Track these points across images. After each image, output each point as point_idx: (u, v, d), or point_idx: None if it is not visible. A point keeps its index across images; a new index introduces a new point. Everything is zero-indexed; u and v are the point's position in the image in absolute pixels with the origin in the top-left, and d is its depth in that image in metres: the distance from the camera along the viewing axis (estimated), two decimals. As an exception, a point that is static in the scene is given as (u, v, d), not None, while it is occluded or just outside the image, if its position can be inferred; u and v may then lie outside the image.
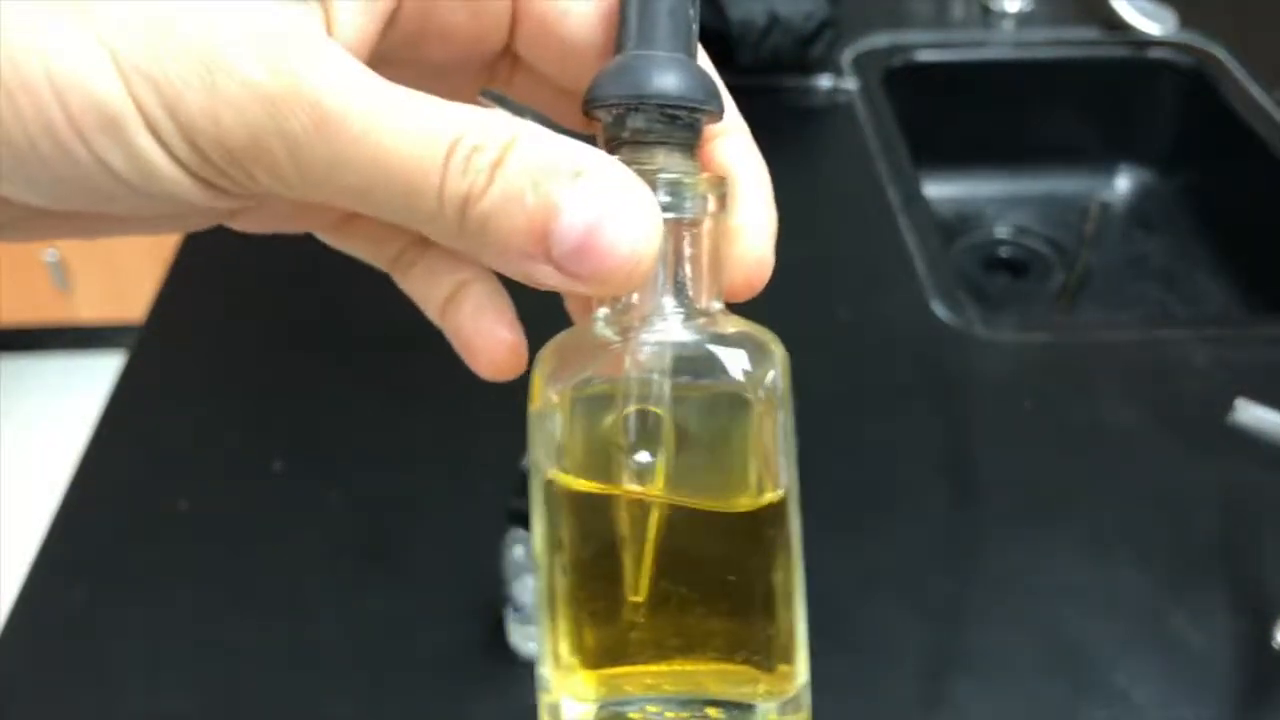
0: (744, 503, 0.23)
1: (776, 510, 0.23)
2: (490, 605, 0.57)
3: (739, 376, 0.23)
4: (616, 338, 0.23)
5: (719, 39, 0.97)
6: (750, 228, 0.25)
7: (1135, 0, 1.06)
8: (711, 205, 0.23)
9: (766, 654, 0.23)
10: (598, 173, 0.20)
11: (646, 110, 0.22)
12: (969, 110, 1.09)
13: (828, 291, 0.80)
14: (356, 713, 0.55)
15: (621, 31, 0.22)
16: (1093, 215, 1.04)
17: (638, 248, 0.20)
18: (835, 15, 0.99)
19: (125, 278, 2.01)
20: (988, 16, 1.11)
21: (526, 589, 0.57)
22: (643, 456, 0.23)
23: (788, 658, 0.23)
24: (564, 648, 0.23)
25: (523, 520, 0.56)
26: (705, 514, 0.23)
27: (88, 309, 2.11)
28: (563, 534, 0.23)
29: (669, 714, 0.23)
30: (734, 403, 0.23)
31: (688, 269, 0.23)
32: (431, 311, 0.27)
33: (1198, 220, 1.06)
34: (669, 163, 0.22)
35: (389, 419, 0.71)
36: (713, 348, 0.23)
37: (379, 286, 0.28)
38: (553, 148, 0.21)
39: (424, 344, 0.29)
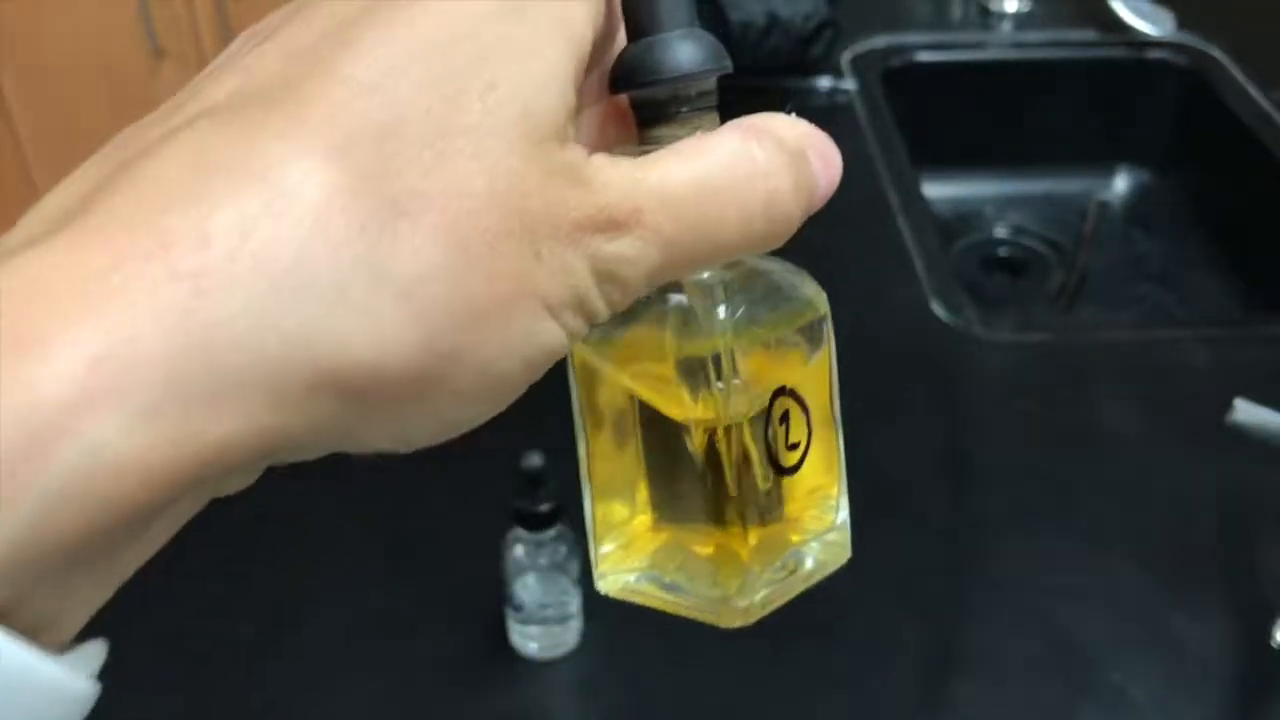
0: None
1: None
2: (490, 605, 0.57)
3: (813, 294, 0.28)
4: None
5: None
6: None
7: (1133, 1, 1.06)
8: None
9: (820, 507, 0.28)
10: (801, 127, 0.24)
11: (678, 87, 0.25)
12: (968, 111, 1.10)
13: (827, 291, 0.80)
14: (357, 713, 0.55)
15: (640, 15, 0.25)
16: (1091, 215, 1.04)
17: (839, 159, 0.24)
18: (834, 16, 0.99)
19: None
20: (986, 17, 1.11)
21: (526, 588, 0.57)
22: (719, 386, 0.24)
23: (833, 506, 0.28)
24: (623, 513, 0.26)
25: (523, 520, 0.56)
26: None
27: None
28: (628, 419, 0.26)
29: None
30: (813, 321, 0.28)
31: None
32: None
33: (1196, 220, 1.06)
34: (702, 125, 0.25)
35: (389, 419, 0.71)
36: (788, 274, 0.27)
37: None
38: (777, 126, 0.23)
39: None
